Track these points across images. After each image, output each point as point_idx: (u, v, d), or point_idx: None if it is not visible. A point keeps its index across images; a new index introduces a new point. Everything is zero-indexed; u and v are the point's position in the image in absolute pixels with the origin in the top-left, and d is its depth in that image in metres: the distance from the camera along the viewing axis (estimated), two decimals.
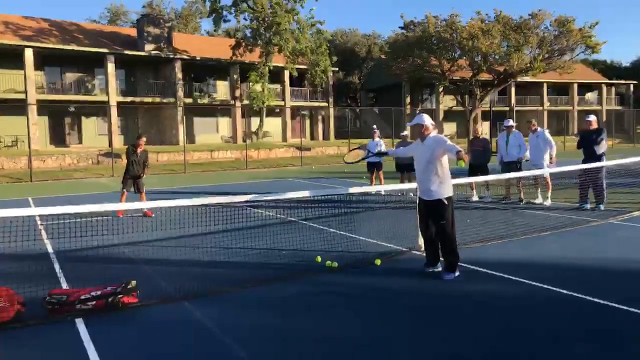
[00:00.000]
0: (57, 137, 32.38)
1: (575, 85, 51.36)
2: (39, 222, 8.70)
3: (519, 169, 10.26)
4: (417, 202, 5.77)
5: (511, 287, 5.16)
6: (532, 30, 35.99)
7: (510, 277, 5.44)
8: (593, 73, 57.59)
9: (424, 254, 5.95)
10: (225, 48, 34.87)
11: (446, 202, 5.37)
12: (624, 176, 14.01)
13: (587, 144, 9.62)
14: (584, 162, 9.56)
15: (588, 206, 9.62)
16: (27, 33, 31.84)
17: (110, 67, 31.76)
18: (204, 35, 55.83)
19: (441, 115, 45.83)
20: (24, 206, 12.07)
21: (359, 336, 4.01)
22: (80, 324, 4.27)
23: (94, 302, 4.53)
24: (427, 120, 5.53)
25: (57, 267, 6.26)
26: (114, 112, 30.92)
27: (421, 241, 6.52)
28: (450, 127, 47.24)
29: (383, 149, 13.37)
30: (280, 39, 30.16)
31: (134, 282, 4.81)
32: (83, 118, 33.29)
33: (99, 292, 4.61)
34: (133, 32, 37.44)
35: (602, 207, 9.46)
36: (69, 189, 16.72)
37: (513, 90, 47.42)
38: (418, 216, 5.79)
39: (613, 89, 56.94)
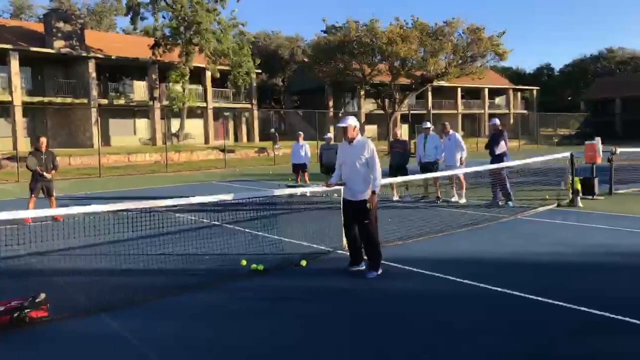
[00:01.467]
0: None
1: (486, 90, 54.65)
2: None
3: (436, 170, 10.73)
4: (342, 202, 5.86)
5: (432, 283, 5.37)
6: (447, 37, 37.87)
7: (431, 273, 5.67)
8: (501, 79, 61.59)
9: (349, 254, 6.05)
10: (143, 47, 33.54)
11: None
12: (528, 175, 15.12)
13: (492, 144, 10.33)
14: (490, 162, 10.26)
15: (499, 202, 10.25)
16: None
17: (14, 64, 29.48)
18: (119, 33, 53.36)
19: (363, 118, 46.94)
20: None
21: (276, 344, 4.00)
22: None
23: None
24: (353, 122, 5.64)
25: None
26: (18, 112, 28.71)
27: (345, 241, 6.63)
28: (371, 130, 48.50)
29: (308, 151, 13.55)
30: (202, 39, 29.49)
31: (42, 295, 4.48)
32: None
33: (1, 308, 4.24)
34: (40, 28, 34.98)
35: (510, 204, 10.13)
36: None
37: (430, 94, 49.56)
38: (343, 216, 5.88)
39: (519, 94, 61.25)
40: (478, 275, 5.47)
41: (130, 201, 5.86)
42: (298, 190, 7.95)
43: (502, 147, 10.24)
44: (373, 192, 5.47)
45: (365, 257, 5.73)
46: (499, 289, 5.01)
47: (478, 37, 38.09)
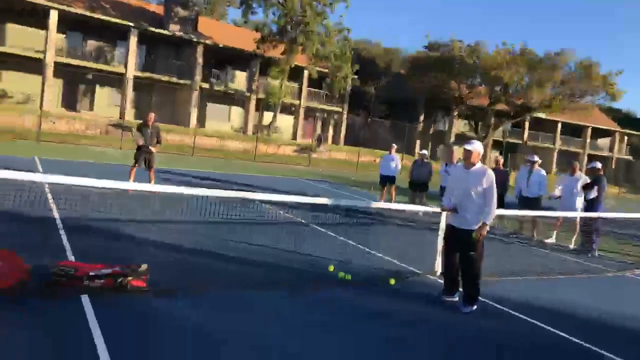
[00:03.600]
0: (70, 101, 32.20)
1: (590, 129, 51.27)
2: (47, 188, 8.48)
3: (538, 207, 10.07)
4: (445, 227, 5.56)
5: (527, 329, 4.95)
6: (556, 68, 35.94)
7: (527, 318, 5.23)
8: (607, 119, 57.49)
9: (441, 281, 5.75)
10: (249, 39, 34.71)
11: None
12: (633, 228, 13.82)
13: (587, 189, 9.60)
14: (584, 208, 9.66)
15: (596, 254, 9.46)
16: None
17: (133, 41, 31.61)
18: (229, 23, 55.69)
19: (452, 138, 45.69)
20: (31, 166, 11.91)
21: None
22: (86, 302, 4.06)
23: (102, 281, 4.33)
24: (479, 148, 5.34)
25: (63, 237, 6.03)
26: (129, 85, 30.73)
27: (439, 266, 6.33)
28: (460, 152, 46.98)
29: (399, 164, 13.22)
30: (306, 40, 30.01)
31: (144, 266, 4.61)
32: (97, 87, 33.08)
33: (108, 271, 4.40)
34: (160, 10, 37.30)
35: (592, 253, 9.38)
36: (76, 154, 16.50)
37: (527, 124, 47.29)
38: (444, 242, 5.58)
39: (626, 138, 56.87)
40: (576, 328, 4.97)
41: (222, 183, 5.92)
42: (408, 207, 7.68)
43: (594, 193, 9.51)
44: (484, 224, 5.15)
45: (462, 289, 5.40)
46: (601, 351, 4.50)
47: (591, 73, 35.87)
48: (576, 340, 4.74)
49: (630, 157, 54.74)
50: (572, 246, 10.01)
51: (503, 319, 5.18)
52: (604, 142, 55.92)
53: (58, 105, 31.14)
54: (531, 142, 47.31)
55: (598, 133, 54.30)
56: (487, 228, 5.20)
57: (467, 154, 5.32)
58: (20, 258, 4.20)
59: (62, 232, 6.22)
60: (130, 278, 4.42)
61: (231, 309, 4.51)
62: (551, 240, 10.26)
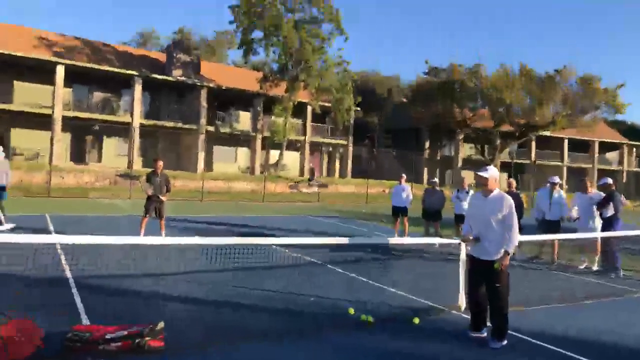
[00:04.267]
0: (78, 154, 32.61)
1: (597, 144, 51.03)
2: (58, 247, 8.42)
3: (559, 229, 9.86)
4: (468, 259, 5.39)
5: None
6: (558, 86, 36.07)
7: (560, 350, 5.01)
8: (613, 132, 57.30)
9: (466, 316, 5.55)
10: (251, 80, 35.28)
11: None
12: None
13: (601, 207, 9.40)
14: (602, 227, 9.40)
15: (621, 274, 9.17)
16: (59, 50, 32.51)
17: (138, 89, 32.20)
18: (229, 65, 56.79)
19: (460, 163, 45.60)
20: (42, 223, 11.90)
21: None
22: None
23: (119, 343, 4.20)
24: (495, 173, 5.21)
25: (76, 297, 5.92)
26: (136, 133, 31.13)
27: (462, 300, 6.13)
28: (468, 176, 46.83)
29: (410, 194, 13.09)
30: (308, 76, 30.46)
31: (161, 324, 4.48)
32: (104, 137, 33.56)
33: (124, 332, 4.27)
34: (162, 57, 38.13)
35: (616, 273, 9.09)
36: (86, 208, 16.55)
37: (534, 143, 47.16)
38: (468, 275, 5.39)
39: (634, 150, 56.48)
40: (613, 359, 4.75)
41: (233, 227, 5.82)
42: (426, 240, 7.53)
43: (610, 210, 9.27)
44: (506, 253, 4.99)
45: (490, 324, 5.20)
46: None
47: (592, 88, 35.94)
48: None
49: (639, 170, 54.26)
50: (595, 267, 9.73)
51: (535, 353, 4.96)
52: (612, 155, 55.58)
53: (67, 159, 31.54)
54: (539, 161, 47.05)
55: (605, 147, 54.06)
56: (509, 258, 5.05)
57: (483, 180, 5.20)
58: (35, 325, 4.09)
59: (74, 291, 6.12)
60: (147, 338, 4.28)
61: None
62: (594, 266, 9.83)
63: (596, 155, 51.62)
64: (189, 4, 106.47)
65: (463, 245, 6.16)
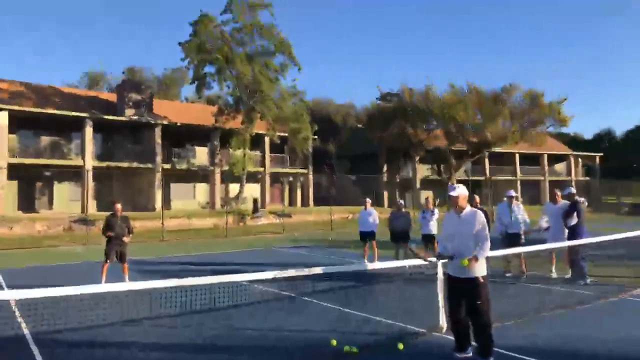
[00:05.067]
0: (27, 203, 31.13)
1: (546, 156, 53.13)
2: (12, 303, 7.83)
3: (520, 242, 10.02)
4: (447, 279, 5.33)
5: None
6: (505, 102, 37.50)
7: None
8: (560, 145, 59.92)
9: (449, 337, 5.46)
10: (206, 114, 34.99)
11: (482, 280, 4.99)
12: (615, 247, 13.91)
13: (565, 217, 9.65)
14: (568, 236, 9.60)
15: (587, 280, 9.38)
16: (2, 96, 31.35)
17: (89, 131, 31.31)
18: (183, 102, 56.29)
19: (418, 184, 46.36)
20: None
21: None
22: None
23: None
24: (464, 191, 5.23)
25: (38, 356, 5.47)
26: (89, 177, 30.09)
27: (442, 321, 6.05)
28: (427, 195, 47.62)
29: (376, 218, 13.07)
30: (263, 106, 30.46)
31: None
32: (55, 183, 32.26)
33: None
34: (112, 97, 37.42)
35: (583, 282, 9.30)
36: (41, 258, 15.65)
37: (487, 160, 48.60)
38: (448, 295, 5.33)
39: (580, 160, 59.14)
40: None
41: (198, 266, 5.60)
42: (397, 263, 7.44)
43: (574, 219, 9.53)
44: (475, 257, 4.92)
45: (474, 343, 5.12)
46: None
47: (537, 103, 37.55)
48: None
49: (587, 178, 56.70)
50: (567, 276, 9.92)
51: None
52: (560, 167, 57.99)
53: (15, 209, 30.05)
54: (493, 177, 48.46)
55: (554, 159, 56.35)
56: (476, 262, 4.98)
57: (454, 199, 5.22)
58: None
59: (34, 348, 5.66)
60: None
61: None
62: (554, 275, 10.09)
63: (546, 167, 53.67)
64: (138, 42, 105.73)
65: (440, 264, 6.13)
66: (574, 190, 9.84)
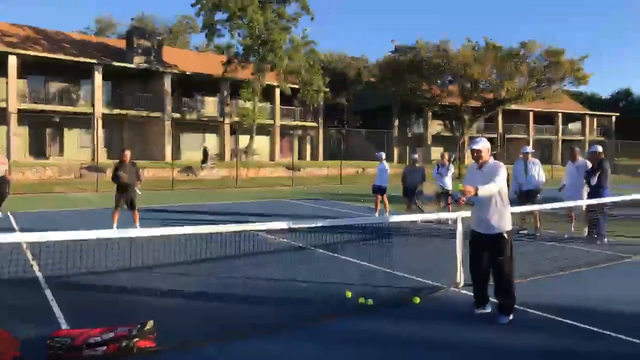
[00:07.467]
0: (37, 149, 31.18)
1: (560, 115, 52.09)
2: (24, 246, 7.82)
3: (536, 199, 9.80)
4: (471, 234, 5.14)
5: (578, 334, 4.57)
6: (523, 59, 36.37)
7: (569, 321, 4.85)
8: (576, 104, 58.60)
9: (468, 292, 5.36)
10: (216, 64, 34.30)
11: (506, 236, 4.81)
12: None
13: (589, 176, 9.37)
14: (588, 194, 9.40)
15: (605, 239, 9.20)
16: (12, 40, 30.83)
17: (98, 78, 30.91)
18: (192, 50, 55.26)
19: (430, 140, 45.85)
20: (4, 222, 11.17)
21: None
22: None
23: (104, 347, 3.80)
24: (487, 144, 4.99)
25: (51, 299, 5.44)
26: (99, 124, 29.92)
27: (461, 277, 5.94)
28: (438, 152, 47.19)
29: (388, 172, 12.84)
30: (275, 57, 29.72)
31: (151, 323, 4.09)
32: (65, 130, 32.16)
33: (111, 335, 3.87)
34: (122, 44, 36.69)
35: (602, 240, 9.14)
36: (52, 203, 15.72)
37: (500, 117, 47.77)
38: (470, 250, 5.16)
39: (595, 120, 57.96)
40: (625, 326, 4.62)
41: (211, 215, 5.44)
42: (409, 217, 7.29)
43: (596, 179, 9.24)
44: (476, 189, 4.53)
45: (495, 299, 5.00)
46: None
47: (557, 60, 36.40)
48: (628, 339, 4.38)
49: (602, 139, 55.71)
50: (584, 235, 9.74)
51: (546, 326, 4.78)
52: (575, 126, 56.94)
53: (26, 154, 30.13)
54: (507, 135, 47.75)
55: (568, 118, 55.26)
56: (471, 191, 4.52)
57: (477, 153, 4.98)
58: (10, 336, 3.65)
59: (48, 292, 5.63)
60: (136, 339, 3.89)
61: (248, 356, 4.03)
62: (572, 233, 9.87)
63: (560, 126, 52.73)
64: None
65: (459, 219, 5.96)
66: (600, 149, 9.49)
